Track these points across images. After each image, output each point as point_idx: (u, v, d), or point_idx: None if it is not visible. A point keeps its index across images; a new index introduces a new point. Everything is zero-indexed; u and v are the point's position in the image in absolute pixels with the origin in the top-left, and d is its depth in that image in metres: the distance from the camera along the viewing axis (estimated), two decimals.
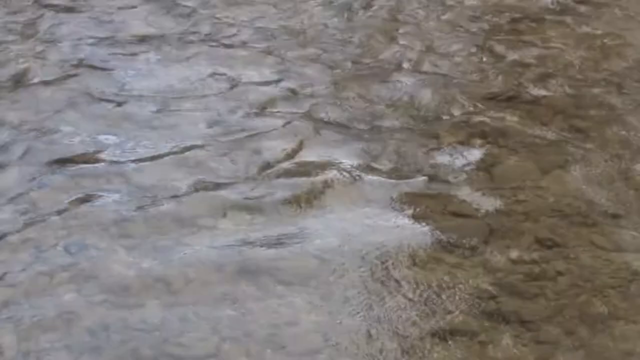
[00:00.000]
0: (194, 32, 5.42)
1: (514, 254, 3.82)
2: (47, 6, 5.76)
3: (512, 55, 5.07)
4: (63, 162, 4.34)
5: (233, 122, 4.63)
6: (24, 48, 5.25)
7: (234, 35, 5.38)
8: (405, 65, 5.07)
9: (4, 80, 4.93)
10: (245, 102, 4.75)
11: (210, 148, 4.43)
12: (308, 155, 4.39)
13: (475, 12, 5.41)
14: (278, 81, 4.92)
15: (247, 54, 5.14)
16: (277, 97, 4.80)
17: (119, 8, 5.72)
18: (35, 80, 4.94)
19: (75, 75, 5.00)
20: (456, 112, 4.62)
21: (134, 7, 5.73)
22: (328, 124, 4.59)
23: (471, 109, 4.64)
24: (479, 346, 3.38)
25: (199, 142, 4.47)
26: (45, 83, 4.91)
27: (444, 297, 3.65)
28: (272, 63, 5.09)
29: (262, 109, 4.70)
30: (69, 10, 5.72)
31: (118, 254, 3.80)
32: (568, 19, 5.34)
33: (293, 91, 4.83)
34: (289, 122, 4.61)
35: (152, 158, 4.35)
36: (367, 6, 5.56)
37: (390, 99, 4.76)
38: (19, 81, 4.92)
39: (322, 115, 4.65)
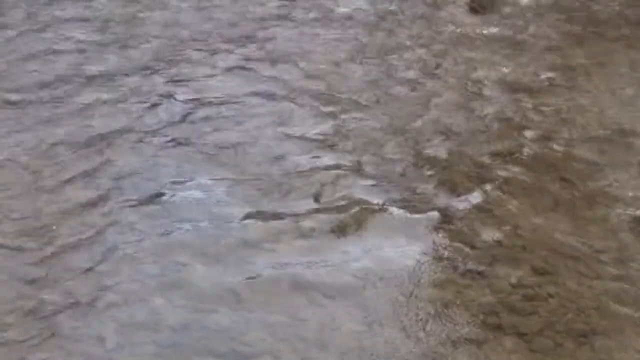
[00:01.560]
0: None
1: (514, 279, 3.85)
2: None
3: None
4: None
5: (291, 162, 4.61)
6: None
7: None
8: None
9: None
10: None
11: (272, 184, 4.45)
12: (348, 194, 4.37)
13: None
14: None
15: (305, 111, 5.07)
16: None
17: None
18: None
19: None
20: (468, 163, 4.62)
21: None
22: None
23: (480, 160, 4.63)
24: (483, 352, 3.42)
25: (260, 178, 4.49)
26: None
27: (455, 311, 3.68)
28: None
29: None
30: None
31: (197, 269, 3.83)
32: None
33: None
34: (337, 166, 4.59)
35: (227, 193, 4.34)
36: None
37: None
38: None
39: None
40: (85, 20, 5.97)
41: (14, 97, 5.14)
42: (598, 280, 3.84)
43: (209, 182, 4.49)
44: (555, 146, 4.76)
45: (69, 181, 4.46)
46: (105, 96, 5.18)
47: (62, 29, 5.85)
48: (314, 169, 4.60)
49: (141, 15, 6.06)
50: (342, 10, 6.16)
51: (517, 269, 3.90)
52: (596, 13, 6.09)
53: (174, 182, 4.47)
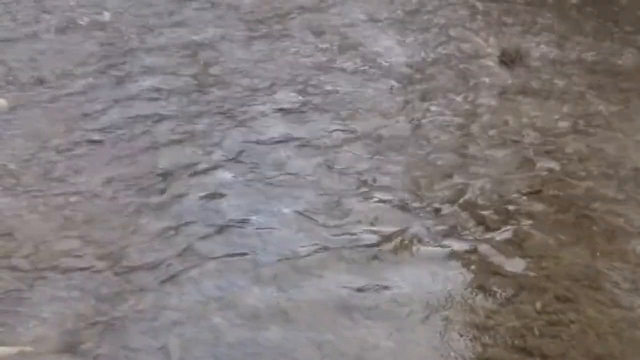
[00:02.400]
0: None
1: (538, 305, 3.81)
2: None
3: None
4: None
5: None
6: None
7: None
8: None
9: None
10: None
11: (322, 216, 4.46)
12: (388, 226, 4.35)
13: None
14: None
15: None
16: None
17: None
18: None
19: None
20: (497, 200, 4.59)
21: None
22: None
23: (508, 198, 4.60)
24: None
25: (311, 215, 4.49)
26: None
27: (485, 334, 3.65)
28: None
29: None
30: None
31: (252, 291, 3.83)
32: None
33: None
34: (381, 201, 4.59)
35: (281, 225, 4.38)
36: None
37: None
38: None
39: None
40: (159, 69, 6.04)
41: (96, 135, 5.21)
42: (616, 309, 3.79)
43: (266, 213, 4.50)
44: (576, 185, 4.71)
45: (141, 211, 4.51)
46: (175, 136, 5.21)
47: (141, 77, 5.92)
48: (361, 203, 4.59)
49: (208, 68, 6.11)
50: (383, 61, 6.17)
51: (541, 296, 3.85)
52: (616, 66, 6.05)
53: (234, 213, 4.48)
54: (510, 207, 4.54)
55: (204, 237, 4.29)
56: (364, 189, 4.72)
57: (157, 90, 5.74)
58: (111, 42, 6.42)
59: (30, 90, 5.73)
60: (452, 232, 4.34)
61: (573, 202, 4.59)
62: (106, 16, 6.84)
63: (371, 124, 5.37)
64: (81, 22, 6.72)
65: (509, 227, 4.38)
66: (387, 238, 4.28)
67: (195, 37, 6.50)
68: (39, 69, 6.00)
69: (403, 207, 4.56)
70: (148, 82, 5.84)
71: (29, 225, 4.39)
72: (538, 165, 4.94)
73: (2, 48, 6.28)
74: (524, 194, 4.65)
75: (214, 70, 6.03)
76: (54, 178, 4.80)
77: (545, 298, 3.84)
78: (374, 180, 4.80)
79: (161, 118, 5.41)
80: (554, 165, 4.90)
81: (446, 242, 4.26)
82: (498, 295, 3.87)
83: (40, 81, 5.83)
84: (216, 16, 6.89)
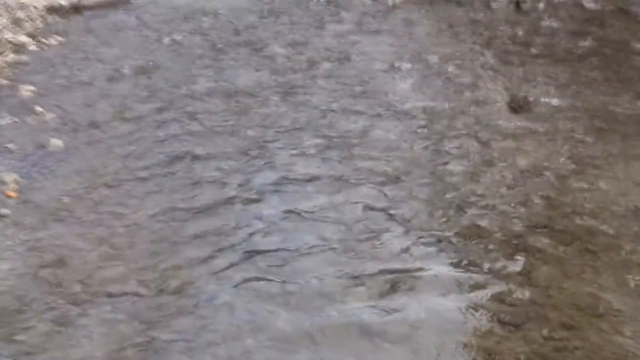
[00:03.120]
0: None
1: (545, 332, 3.80)
2: None
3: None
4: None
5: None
6: None
7: None
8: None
9: None
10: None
11: (345, 247, 4.47)
12: (405, 257, 4.38)
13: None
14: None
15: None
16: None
17: None
18: None
19: None
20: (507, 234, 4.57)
21: None
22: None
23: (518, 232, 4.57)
24: None
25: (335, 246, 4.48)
26: None
27: (495, 358, 3.66)
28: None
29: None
30: None
31: (281, 315, 3.83)
32: None
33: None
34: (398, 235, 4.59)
35: (308, 255, 4.40)
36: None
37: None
38: None
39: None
40: (199, 113, 6.08)
41: (141, 173, 5.24)
42: (618, 336, 3.76)
43: (295, 244, 4.49)
44: (580, 221, 4.69)
45: (180, 241, 4.52)
46: (212, 173, 5.23)
47: (182, 120, 5.96)
48: (380, 235, 4.58)
49: (239, 111, 6.14)
50: (401, 106, 6.18)
51: (547, 324, 3.83)
52: (615, 113, 6.02)
53: (266, 243, 4.49)
54: (519, 241, 4.52)
55: (238, 265, 4.30)
56: (382, 223, 4.70)
57: (197, 132, 5.77)
58: (156, 88, 6.47)
59: (83, 132, 5.78)
60: (466, 264, 4.32)
61: (576, 236, 4.56)
62: (152, 65, 6.90)
63: (390, 163, 5.36)
64: (129, 71, 6.77)
65: (517, 259, 4.35)
66: (405, 268, 4.27)
67: (232, 84, 6.54)
68: (92, 113, 6.06)
69: (419, 239, 4.54)
70: (188, 124, 5.88)
71: (80, 253, 4.42)
72: (544, 202, 4.91)
73: (60, 95, 6.35)
74: (531, 229, 4.62)
75: (248, 114, 6.05)
76: (103, 211, 4.83)
77: (552, 325, 3.82)
78: (391, 214, 4.79)
79: (200, 157, 5.43)
80: (558, 202, 4.88)
81: (460, 272, 4.24)
82: (507, 322, 3.85)
83: (93, 124, 5.88)
84: (252, 65, 6.93)
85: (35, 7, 7.92)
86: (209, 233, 4.59)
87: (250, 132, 5.77)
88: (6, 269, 4.27)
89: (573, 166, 5.29)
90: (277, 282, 4.15)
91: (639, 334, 3.80)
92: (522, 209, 4.83)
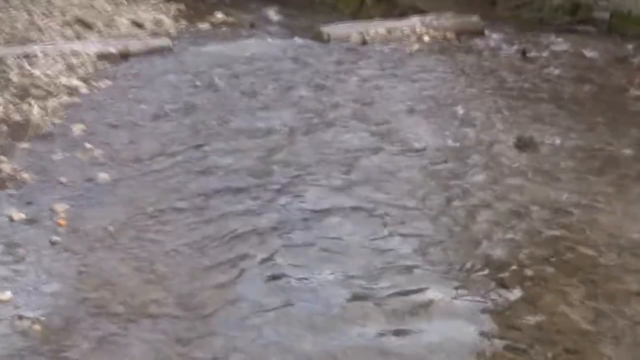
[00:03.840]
0: None
1: (550, 355, 3.74)
2: None
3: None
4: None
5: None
6: None
7: None
8: None
9: None
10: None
11: (363, 274, 4.45)
12: (420, 284, 4.35)
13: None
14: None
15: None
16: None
17: None
18: None
19: None
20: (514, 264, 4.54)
21: None
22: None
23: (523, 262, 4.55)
24: None
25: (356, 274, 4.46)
26: None
27: None
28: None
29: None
30: None
31: (306, 337, 3.82)
32: None
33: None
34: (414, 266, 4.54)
35: (333, 281, 4.40)
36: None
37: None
38: None
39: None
40: (233, 151, 6.11)
41: (179, 204, 5.26)
42: None
43: (319, 271, 4.47)
44: (582, 254, 4.65)
45: (214, 268, 4.52)
46: (240, 206, 5.23)
47: (218, 157, 6.00)
48: (397, 263, 4.56)
49: (269, 148, 6.16)
50: (419, 144, 6.18)
51: (552, 348, 3.77)
52: (614, 153, 5.99)
53: (292, 271, 4.47)
54: (526, 271, 4.47)
55: (266, 290, 4.28)
56: (399, 252, 4.67)
57: (230, 167, 5.80)
58: (194, 127, 6.52)
59: (128, 167, 5.82)
60: (477, 291, 4.28)
61: (579, 267, 4.52)
62: (191, 106, 6.95)
63: (407, 197, 5.35)
64: (170, 111, 6.83)
65: (525, 287, 4.31)
66: (420, 295, 4.23)
67: (263, 125, 6.57)
68: (136, 149, 6.10)
69: (434, 268, 4.52)
70: (223, 160, 5.91)
71: (123, 278, 4.42)
72: (549, 235, 4.88)
73: (108, 132, 6.41)
74: (538, 260, 4.57)
75: (278, 152, 6.07)
76: (145, 239, 4.84)
77: (556, 350, 3.76)
78: (408, 244, 4.76)
79: (232, 191, 5.44)
80: (562, 235, 4.84)
81: (471, 299, 4.21)
82: (515, 346, 3.80)
83: (137, 159, 5.92)
84: (281, 106, 6.97)
85: (87, 54, 8.03)
86: (239, 260, 4.57)
87: (278, 168, 5.78)
88: (56, 292, 4.28)
89: (576, 202, 5.25)
90: (303, 306, 4.11)
91: (639, 357, 3.77)
92: (529, 241, 4.80)
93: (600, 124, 6.47)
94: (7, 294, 4.20)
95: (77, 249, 4.70)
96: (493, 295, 4.24)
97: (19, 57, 7.71)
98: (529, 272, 4.45)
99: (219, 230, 4.91)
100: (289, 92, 7.34)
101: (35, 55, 7.80)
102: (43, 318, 4.02)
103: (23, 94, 6.97)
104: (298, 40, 9.21)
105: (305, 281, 4.37)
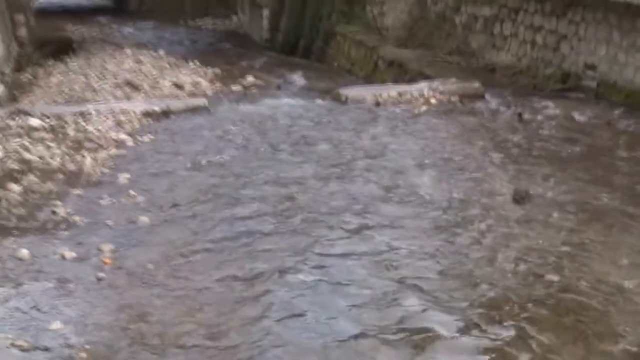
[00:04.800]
0: None
1: None
2: None
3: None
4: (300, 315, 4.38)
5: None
6: None
7: None
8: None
9: None
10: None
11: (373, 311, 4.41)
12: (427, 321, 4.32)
13: None
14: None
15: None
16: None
17: None
18: None
19: None
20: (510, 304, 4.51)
21: None
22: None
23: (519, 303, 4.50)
24: None
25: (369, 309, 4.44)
26: None
27: None
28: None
29: None
30: None
31: None
32: None
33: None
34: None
35: (347, 317, 4.30)
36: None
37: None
38: None
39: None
40: (259, 198, 6.15)
41: (210, 245, 5.30)
42: None
43: (335, 307, 4.46)
44: (573, 297, 4.59)
45: (240, 303, 4.53)
46: (263, 247, 5.25)
47: (245, 204, 6.03)
48: (404, 302, 4.53)
49: (291, 196, 6.21)
50: (425, 195, 6.19)
51: None
52: (601, 206, 5.94)
53: (309, 306, 4.47)
54: (522, 311, 4.42)
55: (285, 324, 4.27)
56: (407, 293, 4.65)
57: (256, 213, 5.83)
58: (225, 178, 6.59)
59: (166, 211, 5.89)
60: (478, 329, 4.23)
61: (570, 309, 4.46)
62: (223, 159, 7.03)
63: (415, 243, 5.34)
64: (204, 163, 6.91)
65: (521, 327, 4.26)
66: (427, 332, 4.20)
67: (286, 175, 6.63)
68: (173, 196, 6.18)
69: (439, 307, 4.48)
70: (250, 207, 5.95)
71: (159, 311, 4.45)
72: (542, 278, 4.83)
73: (149, 181, 6.50)
74: (532, 302, 4.52)
75: (299, 199, 6.11)
76: (179, 276, 4.87)
77: None
78: (415, 285, 4.74)
79: (258, 234, 5.48)
80: (555, 280, 4.78)
81: (472, 336, 4.16)
82: None
83: (174, 205, 5.99)
84: (301, 161, 7.03)
85: (134, 112, 8.20)
86: (262, 297, 4.58)
87: (298, 214, 5.81)
88: (100, 323, 4.31)
89: (566, 250, 5.21)
90: (319, 339, 4.09)
91: None
92: (524, 285, 4.75)
93: (589, 180, 6.44)
94: (58, 324, 4.25)
95: (120, 285, 4.74)
96: (492, 333, 4.18)
97: (75, 115, 7.89)
98: (524, 313, 4.40)
99: (244, 270, 4.92)
100: (310, 146, 7.42)
101: (90, 113, 7.98)
102: (88, 346, 4.05)
103: (78, 146, 7.11)
104: (319, 101, 9.33)
105: (322, 316, 4.35)
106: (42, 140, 7.15)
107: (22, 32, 14.54)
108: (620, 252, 5.19)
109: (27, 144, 7.01)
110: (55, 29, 17.02)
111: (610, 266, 4.99)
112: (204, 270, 4.92)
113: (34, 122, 7.57)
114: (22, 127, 7.41)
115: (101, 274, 4.84)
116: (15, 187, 6.09)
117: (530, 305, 4.49)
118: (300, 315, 4.36)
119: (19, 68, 12.85)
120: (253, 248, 5.24)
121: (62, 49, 15.03)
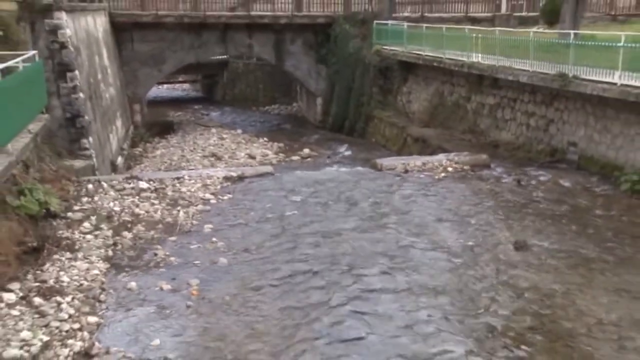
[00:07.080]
0: None
1: None
2: None
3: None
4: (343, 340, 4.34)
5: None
6: None
7: None
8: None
9: None
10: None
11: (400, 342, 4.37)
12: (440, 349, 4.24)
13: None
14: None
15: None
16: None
17: None
18: None
19: None
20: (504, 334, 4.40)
21: None
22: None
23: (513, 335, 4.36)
24: None
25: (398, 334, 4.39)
26: None
27: None
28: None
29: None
30: None
31: None
32: None
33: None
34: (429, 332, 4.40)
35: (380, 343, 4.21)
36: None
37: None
38: None
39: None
40: (314, 244, 6.17)
41: (274, 281, 5.31)
42: None
43: (374, 333, 4.39)
44: (563, 326, 4.51)
45: (295, 327, 4.52)
46: (316, 284, 5.22)
47: (302, 248, 6.06)
48: (424, 330, 4.48)
49: (336, 244, 6.17)
50: (444, 243, 6.14)
51: None
52: (585, 254, 5.82)
53: (348, 332, 4.42)
54: (519, 338, 4.36)
55: (333, 345, 4.26)
56: (426, 323, 4.59)
57: (309, 257, 5.86)
58: (286, 228, 6.65)
59: (240, 254, 5.96)
60: (482, 354, 4.15)
61: (560, 336, 4.39)
62: (285, 214, 7.08)
63: (432, 280, 5.30)
64: (270, 217, 6.98)
65: (519, 350, 4.18)
66: (440, 355, 4.13)
67: (334, 226, 6.66)
68: (246, 242, 6.25)
69: (451, 335, 4.43)
70: (305, 251, 5.98)
71: (233, 333, 4.44)
72: (538, 311, 4.74)
73: (227, 230, 6.59)
74: (529, 329, 4.46)
75: (343, 246, 6.12)
76: (249, 306, 4.92)
77: None
78: (431, 316, 4.67)
79: (311, 273, 5.49)
80: (548, 312, 4.69)
81: (479, 357, 4.08)
82: None
83: (246, 249, 6.06)
84: (346, 215, 7.05)
85: (217, 177, 8.38)
86: (316, 323, 4.59)
87: (342, 258, 5.83)
88: (189, 341, 4.38)
89: (558, 288, 5.12)
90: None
91: None
92: (522, 315, 4.69)
93: (574, 233, 6.33)
94: (157, 341, 4.35)
95: (204, 312, 4.81)
96: (494, 356, 4.12)
97: (173, 179, 8.12)
98: (522, 339, 4.34)
99: (301, 301, 4.94)
100: (352, 204, 7.44)
101: (183, 178, 8.19)
102: (181, 359, 4.13)
103: (174, 203, 7.28)
104: (360, 168, 9.40)
105: (363, 342, 4.31)
106: (148, 198, 7.36)
107: (138, 117, 15.31)
108: (599, 291, 5.07)
109: (137, 201, 7.24)
110: (161, 114, 17.72)
111: (592, 302, 4.88)
112: (269, 301, 4.94)
113: (143, 184, 7.80)
114: (134, 189, 7.64)
115: (189, 303, 4.91)
116: (127, 234, 6.28)
117: (527, 332, 4.41)
118: (345, 342, 4.33)
119: (133, 145, 13.47)
120: (308, 284, 5.24)
121: (165, 129, 15.66)
